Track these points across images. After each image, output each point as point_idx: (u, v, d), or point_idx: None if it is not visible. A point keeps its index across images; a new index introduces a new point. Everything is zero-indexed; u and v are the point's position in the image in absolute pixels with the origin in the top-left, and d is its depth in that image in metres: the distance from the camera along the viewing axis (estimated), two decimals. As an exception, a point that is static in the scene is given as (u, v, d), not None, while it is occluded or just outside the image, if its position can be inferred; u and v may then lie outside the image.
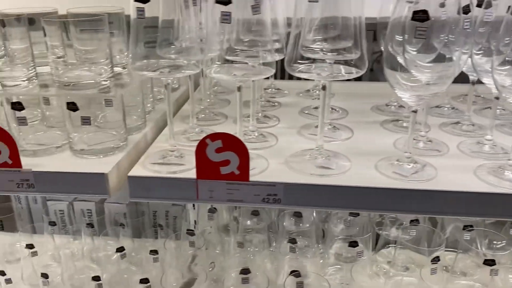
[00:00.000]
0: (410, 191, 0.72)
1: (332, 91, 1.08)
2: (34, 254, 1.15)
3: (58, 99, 0.87)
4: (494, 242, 1.06)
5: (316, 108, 1.06)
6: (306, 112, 1.06)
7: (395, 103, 1.08)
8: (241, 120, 0.79)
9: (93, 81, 0.78)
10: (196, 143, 0.87)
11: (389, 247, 1.13)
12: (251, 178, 0.73)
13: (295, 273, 0.98)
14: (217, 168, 0.73)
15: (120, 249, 1.11)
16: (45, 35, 0.75)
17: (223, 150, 0.71)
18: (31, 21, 0.83)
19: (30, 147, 0.82)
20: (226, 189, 0.74)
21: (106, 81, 0.79)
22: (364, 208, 0.75)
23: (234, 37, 0.73)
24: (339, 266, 1.10)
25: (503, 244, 1.04)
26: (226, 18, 0.66)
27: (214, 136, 0.71)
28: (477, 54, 0.83)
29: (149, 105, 1.01)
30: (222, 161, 0.72)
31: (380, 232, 1.15)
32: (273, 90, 1.19)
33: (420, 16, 0.66)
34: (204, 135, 0.91)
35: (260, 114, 1.01)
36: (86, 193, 0.76)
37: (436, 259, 0.95)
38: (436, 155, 0.84)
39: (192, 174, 0.75)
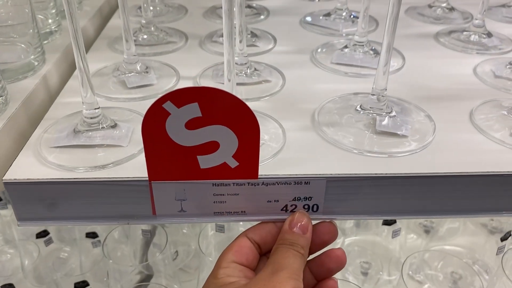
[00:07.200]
0: None
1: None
2: None
3: None
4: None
5: (326, 16, 0.67)
6: (311, 22, 0.66)
7: (444, 4, 0.71)
8: (232, 47, 0.39)
9: None
10: (139, 97, 0.48)
11: None
12: (261, 171, 0.36)
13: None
14: (193, 158, 0.35)
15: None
16: None
17: (204, 124, 0.33)
18: None
19: None
20: (212, 195, 0.37)
21: None
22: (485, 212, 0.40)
23: None
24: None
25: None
26: None
27: (183, 95, 0.32)
28: None
29: (50, 23, 0.58)
30: (202, 144, 0.34)
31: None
32: (252, -11, 0.77)
33: None
34: (152, 77, 0.51)
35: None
36: None
37: None
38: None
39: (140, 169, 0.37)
